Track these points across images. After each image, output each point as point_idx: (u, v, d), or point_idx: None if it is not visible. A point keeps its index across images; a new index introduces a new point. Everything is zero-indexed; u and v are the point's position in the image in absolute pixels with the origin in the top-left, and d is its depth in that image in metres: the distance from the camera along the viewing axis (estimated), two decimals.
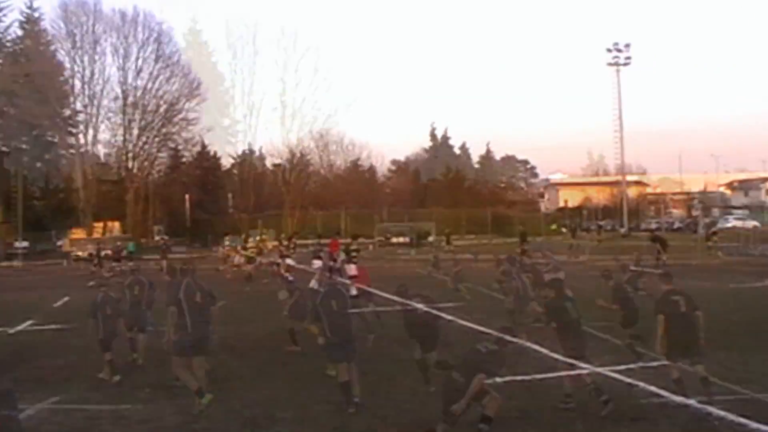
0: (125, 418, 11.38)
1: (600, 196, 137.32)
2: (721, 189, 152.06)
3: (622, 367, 12.81)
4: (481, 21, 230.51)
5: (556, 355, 14.18)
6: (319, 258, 31.82)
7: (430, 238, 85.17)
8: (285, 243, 40.30)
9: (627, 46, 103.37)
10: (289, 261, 37.15)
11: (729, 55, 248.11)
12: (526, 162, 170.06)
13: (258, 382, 13.29)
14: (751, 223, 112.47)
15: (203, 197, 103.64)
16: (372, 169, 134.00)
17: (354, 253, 27.77)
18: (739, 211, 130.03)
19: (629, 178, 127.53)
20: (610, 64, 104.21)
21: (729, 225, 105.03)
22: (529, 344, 15.36)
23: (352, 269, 27.09)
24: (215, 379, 13.83)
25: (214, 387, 13.08)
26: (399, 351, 15.62)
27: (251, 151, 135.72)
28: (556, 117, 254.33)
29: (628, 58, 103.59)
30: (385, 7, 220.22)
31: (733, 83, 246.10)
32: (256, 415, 11.16)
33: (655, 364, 12.98)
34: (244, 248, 40.46)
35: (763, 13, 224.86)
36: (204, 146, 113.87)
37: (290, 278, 35.49)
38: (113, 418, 11.47)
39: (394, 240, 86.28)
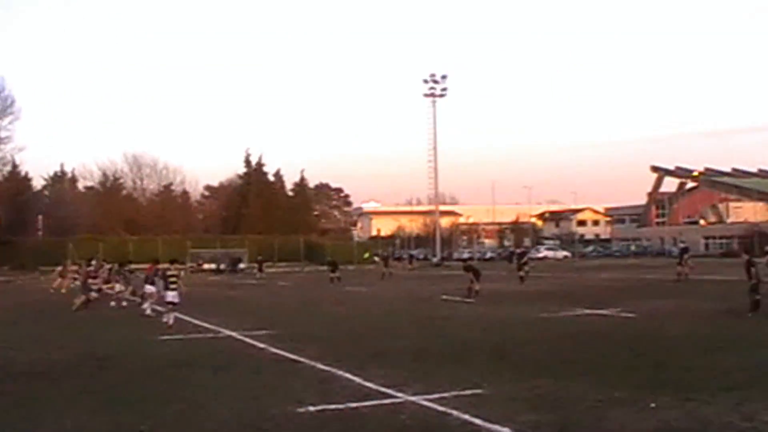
0: None
1: (413, 225, 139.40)
2: (533, 219, 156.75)
3: (436, 395, 12.61)
4: (297, 48, 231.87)
5: (369, 384, 13.91)
6: (153, 283, 30.81)
7: (242, 265, 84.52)
8: (110, 267, 39.01)
9: (444, 77, 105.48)
10: (117, 286, 36.25)
11: (540, 88, 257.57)
12: (340, 190, 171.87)
13: (68, 408, 12.51)
14: (562, 253, 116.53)
15: (12, 218, 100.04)
16: (185, 194, 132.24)
17: (173, 279, 26.52)
18: (550, 242, 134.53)
19: (442, 207, 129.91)
20: (426, 95, 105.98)
21: (540, 255, 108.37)
22: (341, 372, 15.11)
23: (170, 296, 26.08)
24: (24, 405, 12.97)
25: (22, 413, 12.24)
26: (209, 378, 15.01)
27: (63, 173, 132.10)
28: (372, 146, 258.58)
29: (444, 89, 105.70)
30: (200, 29, 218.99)
31: (543, 116, 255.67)
32: None
33: (468, 392, 12.82)
34: (77, 272, 38.96)
35: (573, 48, 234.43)
36: (15, 166, 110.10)
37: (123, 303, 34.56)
38: None
39: (206, 266, 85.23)
